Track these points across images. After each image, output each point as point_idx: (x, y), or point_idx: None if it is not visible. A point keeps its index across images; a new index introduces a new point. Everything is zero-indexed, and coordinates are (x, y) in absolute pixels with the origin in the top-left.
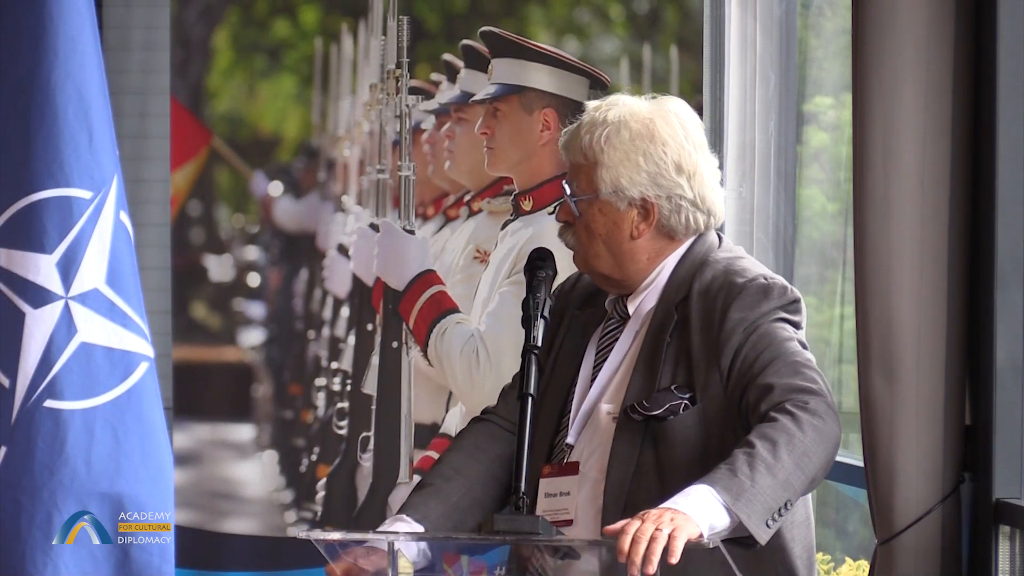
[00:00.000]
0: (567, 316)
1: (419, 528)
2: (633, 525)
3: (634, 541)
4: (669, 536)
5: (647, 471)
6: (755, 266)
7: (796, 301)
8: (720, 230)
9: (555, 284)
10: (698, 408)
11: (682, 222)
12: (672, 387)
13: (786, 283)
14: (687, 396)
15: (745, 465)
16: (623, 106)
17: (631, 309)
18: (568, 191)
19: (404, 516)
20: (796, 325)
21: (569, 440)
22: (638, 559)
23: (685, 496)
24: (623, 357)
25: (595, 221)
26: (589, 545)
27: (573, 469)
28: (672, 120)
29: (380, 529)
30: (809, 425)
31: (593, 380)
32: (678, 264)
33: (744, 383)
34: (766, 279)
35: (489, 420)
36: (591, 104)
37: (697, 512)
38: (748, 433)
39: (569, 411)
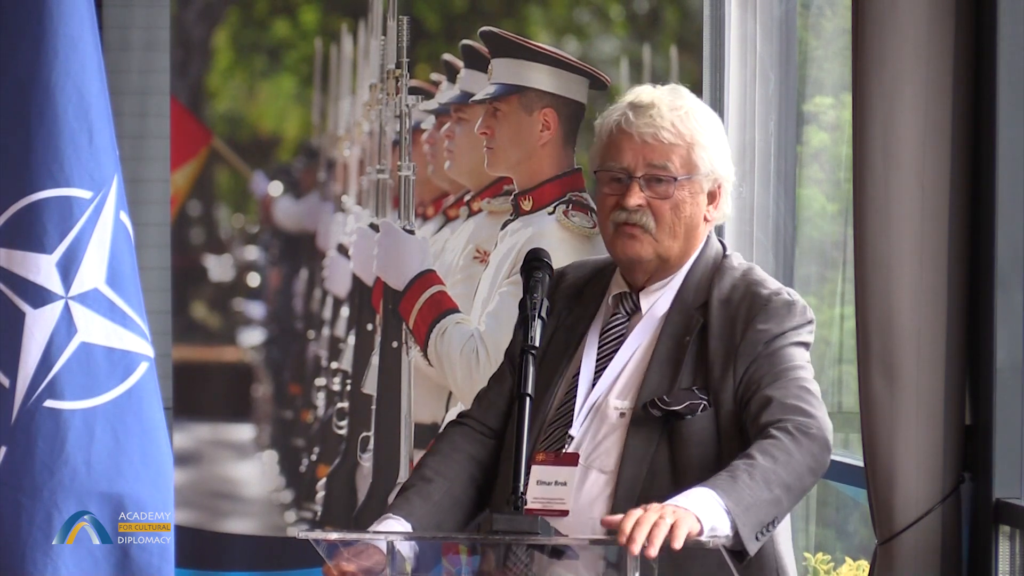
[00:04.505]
0: (555, 313)
1: (408, 526)
2: (636, 512)
3: (637, 523)
4: (672, 525)
5: (660, 469)
6: (770, 278)
7: (812, 321)
8: (720, 231)
9: None
10: (713, 411)
11: (725, 209)
12: (692, 388)
13: (805, 303)
14: (706, 398)
15: (745, 475)
16: (679, 90)
17: (645, 306)
18: (658, 171)
19: (392, 515)
20: (809, 347)
21: (572, 431)
22: (640, 537)
23: (686, 496)
24: (632, 354)
25: (684, 201)
26: (589, 544)
27: (572, 460)
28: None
29: (372, 529)
30: (808, 452)
31: (598, 373)
32: (692, 266)
33: (751, 393)
34: (789, 295)
35: (465, 424)
36: (641, 88)
37: (700, 510)
38: (750, 442)
39: (573, 401)
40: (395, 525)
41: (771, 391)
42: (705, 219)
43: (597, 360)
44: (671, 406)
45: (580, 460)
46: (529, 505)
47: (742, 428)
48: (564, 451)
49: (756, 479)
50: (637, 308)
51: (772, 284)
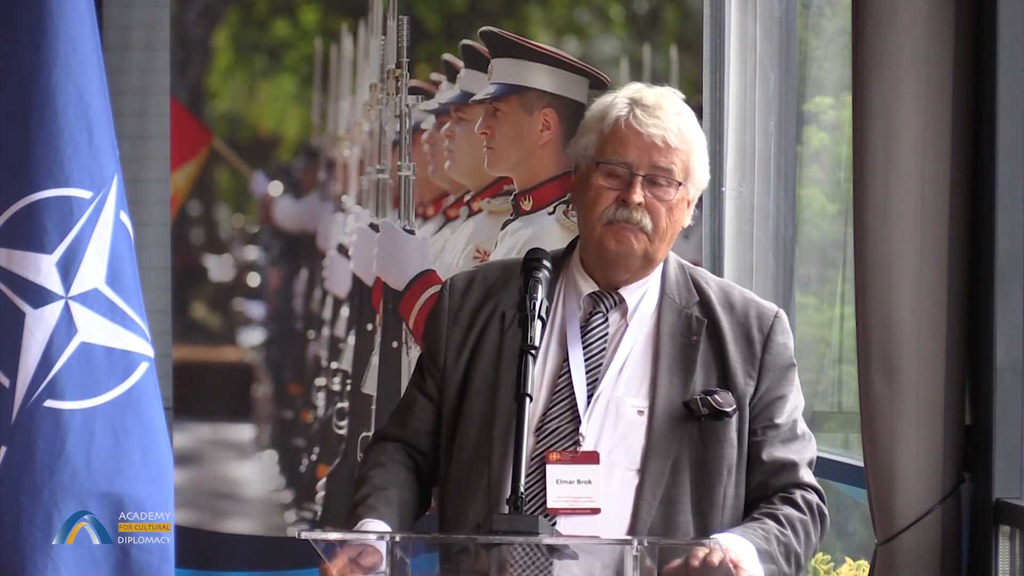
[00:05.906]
0: (497, 314)
1: (388, 528)
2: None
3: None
4: (736, 564)
5: (683, 466)
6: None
7: None
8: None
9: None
10: (737, 414)
11: (690, 218)
12: (718, 388)
13: None
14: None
15: (776, 545)
16: (676, 95)
17: (631, 303)
18: (662, 173)
19: (371, 519)
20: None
21: (581, 430)
22: (714, 558)
23: (737, 545)
24: (631, 351)
25: (677, 207)
26: (589, 544)
27: (593, 458)
28: None
29: (356, 528)
30: (819, 536)
31: (593, 371)
32: (665, 267)
33: (762, 423)
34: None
35: (395, 441)
36: (639, 86)
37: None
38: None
39: (569, 400)
40: (379, 527)
41: (792, 454)
42: (683, 228)
43: (586, 359)
44: (723, 406)
45: (601, 458)
46: (552, 504)
47: (750, 432)
48: (579, 450)
49: (782, 553)
50: (615, 305)
51: (753, 294)
